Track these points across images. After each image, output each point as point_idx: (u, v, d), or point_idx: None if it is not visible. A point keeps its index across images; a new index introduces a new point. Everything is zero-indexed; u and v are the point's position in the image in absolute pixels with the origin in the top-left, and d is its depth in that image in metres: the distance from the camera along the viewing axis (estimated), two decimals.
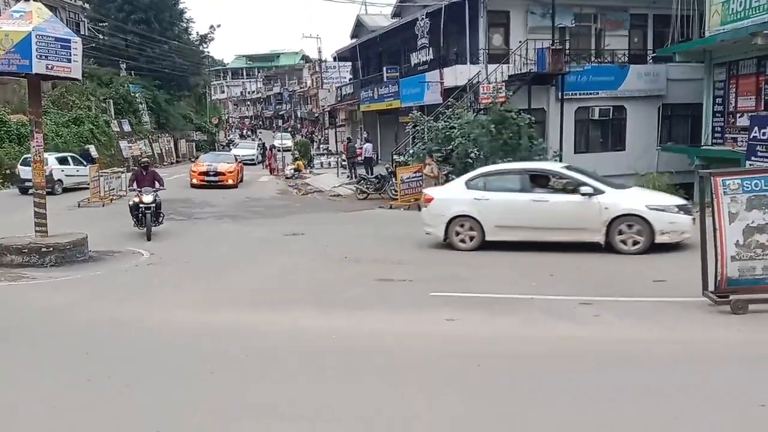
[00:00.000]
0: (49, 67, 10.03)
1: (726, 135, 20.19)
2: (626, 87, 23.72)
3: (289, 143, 41.48)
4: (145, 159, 16.37)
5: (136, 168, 15.29)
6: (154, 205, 13.32)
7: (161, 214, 13.91)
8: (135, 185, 13.76)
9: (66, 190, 22.26)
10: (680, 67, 23.72)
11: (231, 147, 45.64)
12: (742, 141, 19.33)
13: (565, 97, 22.61)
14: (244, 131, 78.86)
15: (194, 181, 25.23)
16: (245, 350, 6.01)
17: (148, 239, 12.84)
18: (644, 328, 6.35)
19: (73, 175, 23.19)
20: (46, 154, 31.74)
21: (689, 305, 6.92)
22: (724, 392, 4.76)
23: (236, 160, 28.56)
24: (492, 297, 7.68)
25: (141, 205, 13.23)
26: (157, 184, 13.86)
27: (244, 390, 5.00)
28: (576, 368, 5.30)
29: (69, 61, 10.33)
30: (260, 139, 50.29)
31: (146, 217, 13.12)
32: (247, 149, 43.19)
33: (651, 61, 24.78)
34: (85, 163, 24.60)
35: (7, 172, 25.35)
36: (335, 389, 4.99)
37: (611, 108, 24.05)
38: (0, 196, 21.88)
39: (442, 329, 6.47)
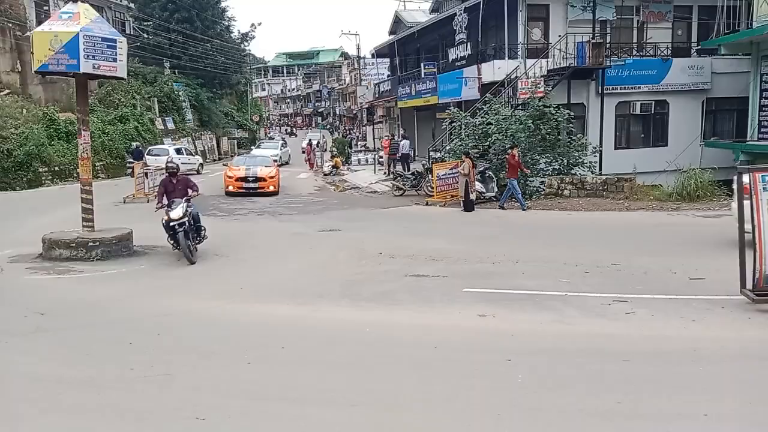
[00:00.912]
0: (96, 66, 10.39)
1: None
2: (669, 81, 23.19)
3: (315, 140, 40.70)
4: (173, 164, 12.10)
5: (163, 175, 12.00)
6: (187, 219, 10.68)
7: (202, 228, 11.39)
8: (164, 198, 11.10)
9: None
10: (726, 60, 23.16)
11: (252, 147, 41.64)
12: None
13: (605, 91, 22.27)
14: (294, 129, 79.32)
15: (230, 188, 21.70)
16: (281, 341, 6.18)
17: (191, 262, 10.42)
18: (678, 325, 6.29)
19: (186, 163, 29.36)
20: (167, 146, 35.55)
21: (726, 303, 6.82)
22: (754, 389, 4.71)
23: (275, 162, 25.34)
24: (525, 294, 7.69)
25: (172, 223, 10.60)
26: (190, 192, 11.24)
27: (278, 378, 5.16)
28: (605, 364, 5.32)
29: (115, 60, 10.68)
30: (283, 138, 49.86)
31: (180, 237, 10.51)
32: (269, 149, 36.57)
33: (695, 53, 24.22)
34: (191, 153, 34.65)
35: (56, 169, 26.27)
36: (363, 378, 5.14)
37: (653, 102, 23.56)
38: (50, 193, 22.71)
39: (474, 324, 6.53)
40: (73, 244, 10.87)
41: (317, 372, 5.36)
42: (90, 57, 10.12)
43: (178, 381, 5.19)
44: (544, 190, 19.04)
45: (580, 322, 6.53)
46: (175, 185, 11.27)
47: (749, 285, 6.62)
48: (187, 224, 10.63)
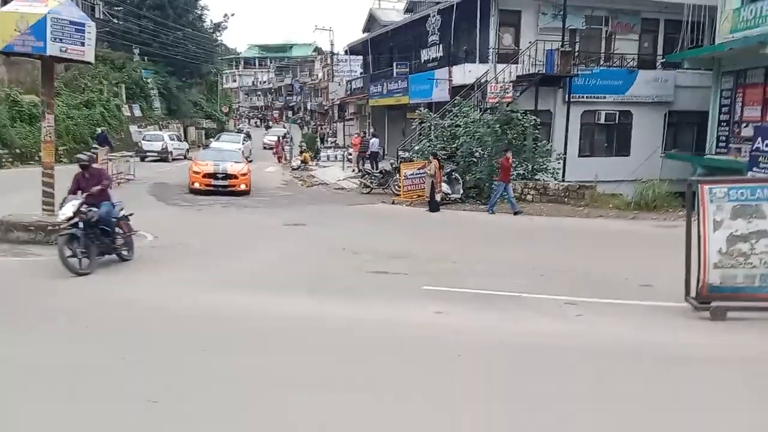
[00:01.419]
0: (63, 49, 10.27)
1: (731, 144, 20.28)
2: (634, 92, 23.77)
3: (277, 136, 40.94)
4: (86, 155, 9.75)
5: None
6: (80, 219, 8.60)
7: (115, 234, 9.21)
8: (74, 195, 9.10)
9: (174, 159, 31.91)
10: (689, 74, 23.81)
11: (212, 139, 37.98)
12: (746, 151, 19.39)
13: (572, 99, 22.74)
14: (269, 122, 78.34)
15: (196, 185, 19.32)
16: (238, 330, 6.25)
17: (76, 273, 8.39)
18: (621, 328, 6.56)
19: (177, 148, 33.65)
20: (162, 132, 36.71)
21: (670, 310, 7.11)
22: (681, 389, 5.03)
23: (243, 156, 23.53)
24: (482, 293, 7.88)
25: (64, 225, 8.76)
26: (94, 189, 9.07)
27: (230, 365, 5.25)
28: (550, 360, 5.56)
29: (83, 44, 10.57)
30: (247, 132, 49.35)
31: (59, 241, 8.56)
32: (230, 143, 31.56)
33: (660, 66, 24.85)
34: (181, 139, 37.08)
35: (17, 151, 25.71)
36: (314, 365, 5.33)
37: (618, 113, 24.10)
38: (10, 175, 22.22)
39: (430, 320, 6.69)
40: (32, 227, 10.74)
41: (272, 359, 5.47)
42: (57, 40, 10.00)
43: (128, 365, 5.23)
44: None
45: (531, 322, 6.75)
46: (88, 180, 9.28)
47: (693, 293, 6.91)
48: (81, 226, 8.56)
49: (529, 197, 18.85)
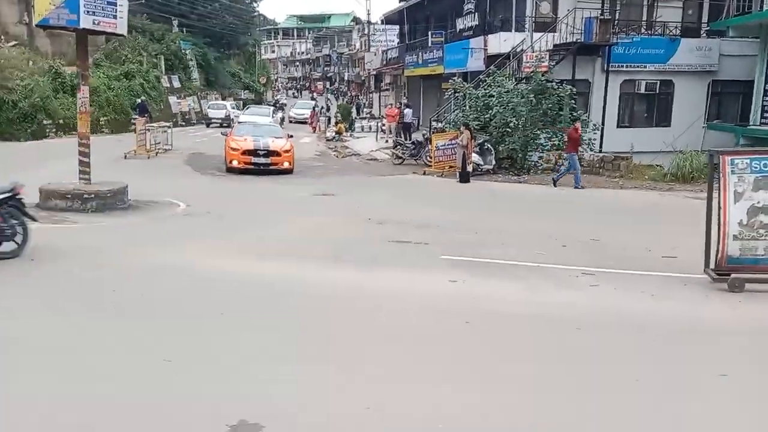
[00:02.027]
0: (96, 22, 10.50)
1: None
2: (676, 61, 23.07)
3: (306, 113, 40.26)
4: None
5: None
6: None
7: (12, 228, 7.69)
8: None
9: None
10: (735, 43, 22.98)
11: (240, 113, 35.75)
12: None
13: (611, 68, 22.27)
14: (314, 94, 75.59)
15: (234, 163, 17.38)
16: (258, 297, 6.44)
17: None
18: (636, 299, 6.54)
19: (239, 116, 33.40)
20: (225, 102, 40.53)
21: (690, 281, 7.04)
22: (690, 361, 5.03)
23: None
24: (500, 263, 7.93)
25: None
26: None
27: (245, 327, 5.46)
28: (556, 330, 5.61)
29: (115, 17, 10.80)
30: (281, 102, 49.18)
31: None
32: (258, 116, 30.27)
33: (704, 35, 24.00)
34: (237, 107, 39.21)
35: (60, 122, 26.47)
36: (330, 332, 5.44)
37: (658, 82, 23.50)
38: (53, 145, 22.96)
39: (443, 288, 6.77)
40: (69, 196, 11.12)
41: (286, 328, 5.62)
42: (90, 12, 10.22)
43: (145, 326, 5.47)
44: (542, 165, 19.16)
45: (544, 291, 6.77)
46: None
47: (712, 265, 6.82)
48: None
49: (562, 168, 18.60)
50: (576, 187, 15.82)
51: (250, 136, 18.09)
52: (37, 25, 10.97)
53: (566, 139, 17.03)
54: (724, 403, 4.31)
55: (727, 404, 4.31)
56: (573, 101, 19.57)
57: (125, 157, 20.12)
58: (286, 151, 17.76)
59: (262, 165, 17.19)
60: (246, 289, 6.73)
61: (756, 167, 6.48)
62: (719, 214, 6.65)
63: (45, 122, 26.33)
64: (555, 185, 16.27)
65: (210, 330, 5.46)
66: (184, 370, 4.58)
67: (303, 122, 39.44)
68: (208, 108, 39.17)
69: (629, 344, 5.34)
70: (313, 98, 53.76)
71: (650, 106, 24.05)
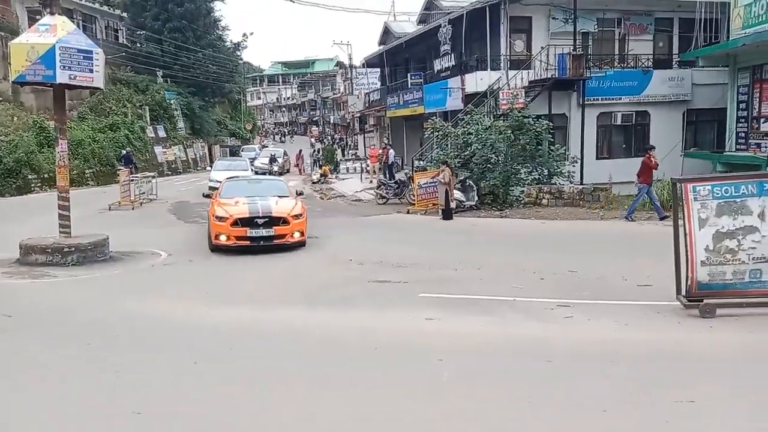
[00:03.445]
0: (72, 77, 10.67)
1: (750, 140, 20.00)
2: (650, 92, 23.61)
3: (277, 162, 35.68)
4: None
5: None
6: None
7: None
8: None
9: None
10: (706, 72, 23.55)
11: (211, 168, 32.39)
12: (765, 147, 19.14)
13: (586, 102, 22.66)
14: (313, 139, 73.87)
15: (222, 238, 12.05)
16: (230, 343, 6.45)
17: None
18: (610, 328, 6.59)
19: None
20: (255, 145, 43.81)
21: (664, 309, 7.10)
22: (660, 387, 5.05)
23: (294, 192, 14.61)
24: (477, 298, 7.97)
25: None
26: None
27: (219, 374, 5.44)
28: (528, 362, 5.65)
29: (91, 71, 10.96)
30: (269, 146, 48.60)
31: None
32: (230, 170, 26.08)
33: (676, 65, 24.60)
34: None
35: (45, 176, 26.53)
36: (293, 374, 5.51)
37: (634, 113, 23.98)
38: (38, 199, 22.97)
39: (419, 326, 6.80)
40: (49, 250, 11.12)
41: (255, 370, 5.63)
42: (66, 68, 10.40)
43: (125, 379, 5.45)
44: (523, 199, 19.35)
45: (519, 325, 6.81)
46: None
47: (683, 291, 6.90)
48: None
49: (544, 201, 18.80)
50: (661, 218, 14.60)
51: (243, 198, 12.97)
52: (13, 82, 11.14)
53: (639, 170, 15.71)
54: (695, 429, 4.33)
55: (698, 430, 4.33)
56: (551, 135, 19.90)
57: (110, 208, 20.17)
58: (296, 217, 12.47)
59: (262, 239, 11.98)
60: (218, 334, 6.77)
61: (717, 193, 6.61)
62: (686, 242, 6.75)
63: (30, 177, 26.41)
64: (629, 219, 15.31)
65: (183, 379, 5.44)
66: (152, 422, 4.56)
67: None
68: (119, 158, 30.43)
69: (599, 374, 5.37)
70: (312, 144, 52.08)
71: (628, 137, 24.48)
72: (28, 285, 9.78)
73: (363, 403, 4.84)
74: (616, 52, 24.59)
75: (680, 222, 6.98)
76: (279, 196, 13.34)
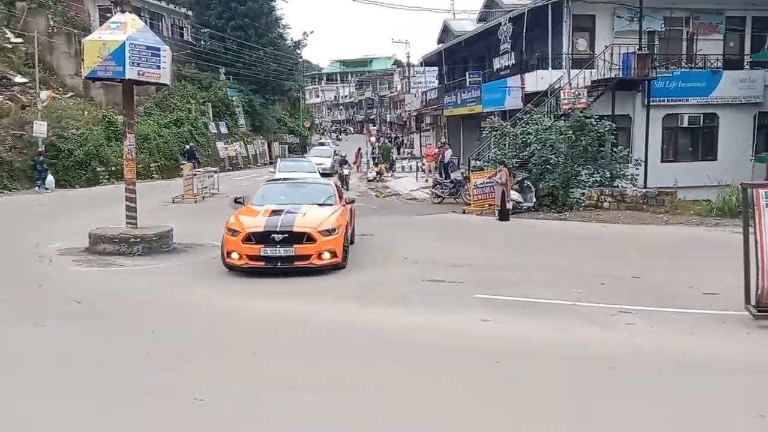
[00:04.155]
0: (141, 73, 11.03)
1: None
2: (719, 93, 22.74)
3: (325, 162, 31.46)
4: None
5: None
6: None
7: None
8: None
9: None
10: None
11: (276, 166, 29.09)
12: None
13: (651, 103, 22.02)
14: (370, 137, 71.66)
15: (234, 256, 9.73)
16: (284, 335, 6.56)
17: None
18: (674, 337, 6.36)
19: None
20: (325, 140, 47.11)
21: (730, 318, 6.81)
22: (725, 400, 4.85)
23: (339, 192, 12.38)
24: (534, 301, 7.83)
25: None
26: None
27: (272, 366, 5.56)
28: (588, 369, 5.49)
29: (159, 68, 11.31)
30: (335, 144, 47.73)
31: None
32: (320, 157, 31.99)
33: (748, 66, 23.58)
34: None
35: (113, 168, 27.55)
36: (349, 371, 5.52)
37: (702, 115, 23.15)
38: (106, 191, 23.89)
39: (474, 328, 6.73)
40: (116, 240, 11.53)
41: (310, 364, 5.68)
42: (135, 64, 10.75)
43: (185, 365, 5.60)
44: (583, 201, 18.93)
45: (578, 330, 6.65)
46: None
47: (753, 301, 6.60)
48: None
49: (605, 204, 18.32)
50: None
51: (273, 206, 10.79)
52: (85, 77, 11.57)
53: None
54: None
55: None
56: (613, 136, 19.40)
57: (173, 201, 20.76)
58: (328, 233, 9.81)
59: (280, 260, 9.59)
60: (274, 326, 6.89)
61: None
62: (757, 249, 6.46)
63: (98, 169, 27.49)
64: None
65: (242, 368, 5.56)
66: (214, 408, 4.68)
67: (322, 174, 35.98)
68: (183, 153, 30.49)
69: (663, 383, 5.19)
70: (370, 141, 51.18)
71: (694, 140, 23.65)
72: (96, 273, 10.17)
73: (421, 408, 4.80)
74: (684, 51, 23.79)
75: (750, 229, 6.68)
76: (320, 204, 11.06)
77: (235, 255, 9.71)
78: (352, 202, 12.58)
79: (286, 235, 9.59)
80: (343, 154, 33.02)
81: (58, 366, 5.63)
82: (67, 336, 6.63)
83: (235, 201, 12.35)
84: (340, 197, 11.84)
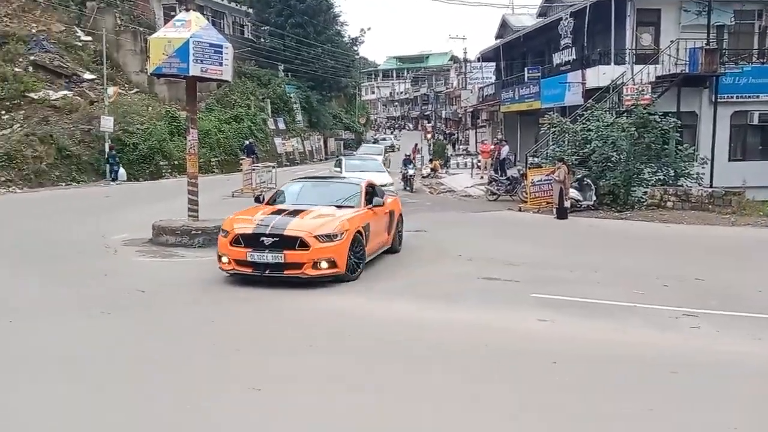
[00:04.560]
0: (204, 70, 11.29)
1: None
2: None
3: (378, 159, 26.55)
4: None
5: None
6: None
7: None
8: None
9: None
10: None
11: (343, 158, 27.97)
12: None
13: (719, 100, 21.19)
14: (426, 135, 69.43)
15: (224, 260, 8.85)
16: (330, 330, 6.60)
17: None
18: (740, 341, 6.12)
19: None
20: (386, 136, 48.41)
21: None
22: None
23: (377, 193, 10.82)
24: (594, 302, 7.65)
25: None
26: None
27: (323, 362, 5.59)
28: (651, 373, 5.33)
29: (221, 65, 11.55)
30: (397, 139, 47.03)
31: None
32: (370, 155, 29.02)
33: None
34: None
35: (175, 162, 28.37)
36: (400, 369, 5.48)
37: None
38: (168, 184, 24.62)
39: (531, 327, 6.62)
40: (179, 232, 11.85)
41: (367, 364, 5.68)
42: (198, 61, 11.00)
43: (243, 356, 5.72)
44: (645, 200, 18.37)
45: (640, 332, 6.45)
46: None
47: None
48: None
49: (669, 204, 17.75)
50: None
51: (279, 206, 9.95)
52: (151, 74, 11.94)
53: None
54: None
55: None
56: (678, 134, 18.74)
57: (233, 195, 21.23)
58: (326, 238, 8.55)
59: (269, 267, 8.50)
60: (323, 321, 6.93)
61: None
62: None
63: (161, 163, 28.38)
64: None
65: (297, 359, 5.63)
66: (272, 399, 4.76)
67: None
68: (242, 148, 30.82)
69: (728, 389, 4.99)
70: (426, 138, 49.91)
71: (765, 138, 22.61)
72: (159, 264, 10.49)
73: (477, 408, 4.76)
74: (755, 46, 22.76)
75: None
76: (339, 206, 9.83)
77: (225, 259, 8.78)
78: (393, 203, 11.35)
79: (277, 239, 8.45)
80: (407, 153, 30.20)
81: (125, 352, 5.84)
82: (132, 324, 6.85)
83: (255, 200, 11.37)
84: (369, 201, 10.17)
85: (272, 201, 10.33)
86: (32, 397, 4.70)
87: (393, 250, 11.06)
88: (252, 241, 8.53)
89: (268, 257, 8.39)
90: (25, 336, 6.28)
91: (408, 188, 24.40)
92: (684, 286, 8.58)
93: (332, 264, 8.50)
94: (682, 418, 4.52)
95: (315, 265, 8.40)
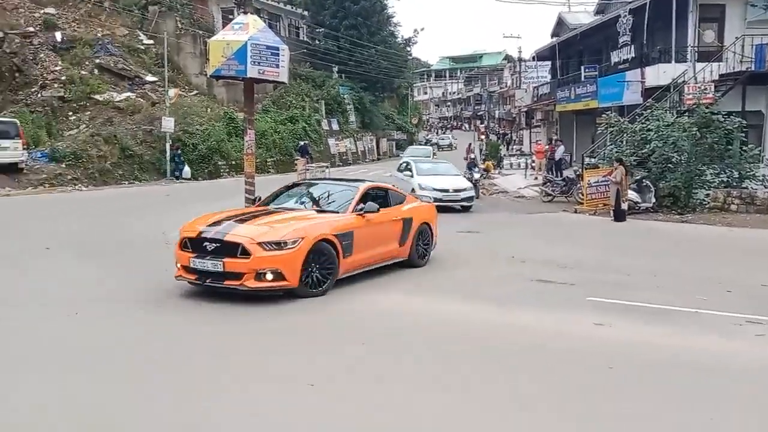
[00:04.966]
0: (261, 72, 11.47)
1: None
2: None
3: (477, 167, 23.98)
4: None
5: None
6: None
7: None
8: None
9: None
10: None
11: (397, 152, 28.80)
12: None
13: None
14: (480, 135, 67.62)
15: (178, 265, 8.00)
16: (385, 330, 6.60)
17: None
18: None
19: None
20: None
21: None
22: None
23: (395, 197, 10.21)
24: (652, 307, 7.44)
25: None
26: None
27: (376, 359, 5.61)
28: (710, 381, 5.17)
29: (277, 66, 11.72)
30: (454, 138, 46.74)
31: None
32: (417, 156, 27.87)
33: None
34: None
35: (233, 162, 29.01)
36: (459, 369, 5.43)
37: None
38: (226, 184, 25.22)
39: (587, 331, 6.49)
40: None
41: (422, 365, 5.67)
42: (256, 63, 11.19)
43: (300, 354, 5.81)
44: (708, 203, 17.78)
45: (700, 339, 6.24)
46: None
47: None
48: None
49: (733, 207, 17.15)
50: None
51: (263, 208, 9.34)
52: (210, 76, 12.22)
53: None
54: None
55: None
56: (743, 134, 18.06)
57: None
58: (273, 246, 7.51)
59: (210, 276, 7.62)
60: (378, 320, 6.96)
61: None
62: None
63: (219, 163, 29.10)
64: None
65: (356, 360, 5.68)
66: (331, 397, 4.83)
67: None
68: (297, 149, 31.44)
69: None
70: (480, 138, 49.01)
71: None
72: None
73: (536, 410, 4.71)
74: None
75: None
76: (321, 210, 8.97)
77: (180, 265, 7.96)
78: (413, 210, 10.11)
79: (218, 245, 7.58)
80: (472, 156, 28.17)
81: (181, 346, 6.01)
82: (190, 317, 7.01)
83: (253, 201, 10.79)
84: (360, 203, 8.92)
85: (265, 202, 9.83)
86: (92, 387, 4.89)
87: (411, 264, 9.80)
88: (197, 246, 7.75)
89: (208, 265, 7.52)
90: (85, 329, 6.50)
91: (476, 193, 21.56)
92: (748, 293, 8.26)
93: (278, 276, 7.45)
94: (749, 428, 4.35)
95: (258, 276, 7.39)
